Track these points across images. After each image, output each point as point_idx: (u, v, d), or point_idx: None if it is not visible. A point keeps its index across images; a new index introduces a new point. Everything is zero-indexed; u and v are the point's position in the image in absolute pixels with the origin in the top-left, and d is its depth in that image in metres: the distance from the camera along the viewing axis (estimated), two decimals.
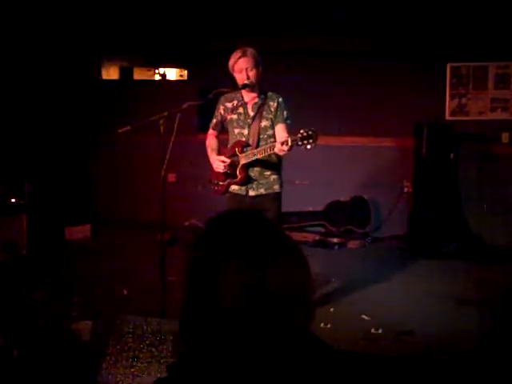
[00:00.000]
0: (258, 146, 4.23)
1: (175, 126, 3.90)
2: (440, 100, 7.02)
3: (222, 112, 4.40)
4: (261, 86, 4.30)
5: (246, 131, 4.30)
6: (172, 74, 8.30)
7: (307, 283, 1.17)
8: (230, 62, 4.20)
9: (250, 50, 4.18)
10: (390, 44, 7.00)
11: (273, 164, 4.28)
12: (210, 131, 4.50)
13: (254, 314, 1.08)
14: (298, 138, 3.75)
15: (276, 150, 3.93)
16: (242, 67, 4.14)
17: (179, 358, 1.17)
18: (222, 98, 4.39)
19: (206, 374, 1.10)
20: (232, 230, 1.17)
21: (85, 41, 7.61)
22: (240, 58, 4.14)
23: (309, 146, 3.75)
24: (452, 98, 7.04)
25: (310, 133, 3.73)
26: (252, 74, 4.16)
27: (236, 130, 4.33)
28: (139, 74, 8.23)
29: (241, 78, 4.17)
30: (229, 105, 4.36)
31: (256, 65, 4.17)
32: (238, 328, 1.08)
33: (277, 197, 4.34)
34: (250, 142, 4.26)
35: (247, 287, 1.09)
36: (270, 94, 4.33)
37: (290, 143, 3.79)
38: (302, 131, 3.75)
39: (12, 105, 6.87)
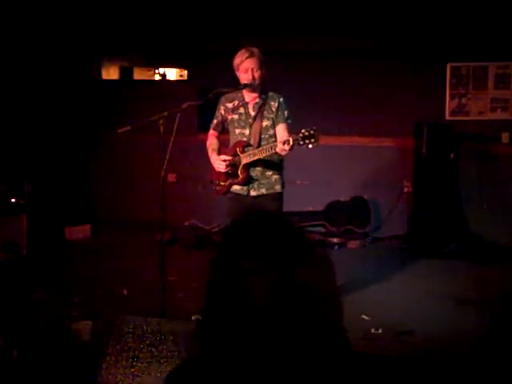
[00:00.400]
0: (259, 145, 4.22)
1: (175, 125, 3.90)
2: (440, 100, 7.02)
3: (223, 112, 4.40)
4: (262, 87, 4.30)
5: (247, 131, 4.29)
6: (172, 74, 8.30)
7: (333, 281, 1.17)
8: (236, 61, 4.19)
9: (256, 51, 4.19)
10: (390, 44, 7.00)
11: (274, 164, 4.28)
12: (211, 132, 4.50)
13: (281, 314, 1.08)
14: (299, 138, 3.75)
15: (277, 149, 3.93)
16: (247, 67, 4.14)
17: (198, 356, 1.15)
18: (223, 99, 4.39)
19: (226, 373, 1.10)
20: (255, 231, 1.17)
21: (85, 41, 7.61)
22: (247, 58, 4.14)
23: (310, 146, 3.75)
24: (452, 98, 7.04)
25: (311, 132, 3.73)
26: (257, 74, 4.17)
27: (237, 130, 4.33)
28: (139, 74, 8.23)
29: (245, 77, 4.17)
30: (229, 105, 4.36)
31: (261, 66, 4.18)
32: (264, 328, 1.08)
33: (278, 197, 4.34)
34: (252, 141, 4.26)
35: (273, 287, 1.08)
36: (270, 93, 4.33)
37: (291, 143, 3.79)
38: (303, 131, 3.76)
39: (12, 105, 6.87)
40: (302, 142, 3.75)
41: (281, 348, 1.07)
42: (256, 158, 4.18)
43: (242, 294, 1.09)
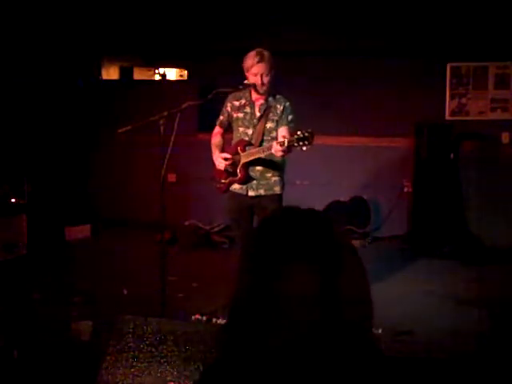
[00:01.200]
0: (260, 146, 4.23)
1: (175, 125, 3.90)
2: (440, 100, 7.02)
3: (229, 110, 4.40)
4: (270, 89, 4.30)
5: (250, 131, 4.30)
6: (172, 73, 8.29)
7: (369, 289, 1.11)
8: (247, 64, 4.19)
9: (267, 55, 4.20)
10: (389, 44, 7.00)
11: (275, 165, 4.28)
12: (216, 129, 4.51)
13: (325, 323, 1.01)
14: (294, 140, 3.76)
15: (273, 150, 3.93)
16: (257, 72, 4.16)
17: (218, 363, 1.09)
18: (231, 96, 4.39)
19: (251, 378, 1.03)
20: (295, 230, 1.07)
21: (85, 41, 7.61)
22: (258, 62, 4.15)
23: (304, 148, 3.76)
24: (452, 98, 7.03)
25: (306, 134, 3.73)
26: (266, 79, 4.19)
27: (241, 129, 4.34)
28: (139, 74, 8.23)
29: (255, 80, 4.18)
30: (236, 103, 4.37)
31: (270, 70, 4.20)
32: (302, 334, 1.01)
33: (277, 198, 4.33)
34: (253, 141, 4.27)
35: (321, 294, 1.01)
36: (278, 96, 4.33)
37: (286, 144, 3.80)
38: (298, 132, 3.76)
39: (12, 105, 6.86)
40: (296, 144, 3.76)
41: (318, 351, 1.02)
42: (254, 157, 4.18)
43: (278, 302, 1.02)
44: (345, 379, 1.02)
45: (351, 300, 1.04)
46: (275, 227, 1.10)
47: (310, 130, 3.75)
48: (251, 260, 1.09)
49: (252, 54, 4.20)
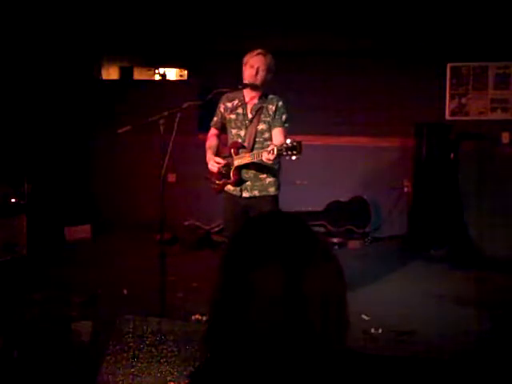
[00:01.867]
0: (253, 148, 4.23)
1: (175, 125, 3.90)
2: (440, 100, 7.02)
3: (222, 111, 4.40)
4: (264, 90, 4.29)
5: (242, 132, 4.29)
6: (172, 73, 8.30)
7: (343, 290, 1.14)
8: (247, 56, 4.22)
9: (269, 55, 4.22)
10: (390, 44, 7.01)
11: (269, 167, 4.26)
12: (212, 130, 4.50)
13: (291, 319, 1.05)
14: (283, 149, 3.76)
15: (263, 158, 3.93)
16: (253, 64, 4.16)
17: (204, 364, 1.13)
18: (224, 97, 4.39)
19: (235, 376, 1.07)
20: (269, 232, 1.13)
21: (85, 41, 7.61)
22: (258, 55, 4.17)
23: (294, 157, 3.76)
24: (452, 98, 7.04)
25: (294, 144, 3.73)
26: (261, 74, 4.18)
27: (233, 131, 4.33)
28: (139, 74, 8.23)
29: (249, 73, 4.18)
30: (229, 104, 4.36)
31: (268, 69, 4.19)
32: (273, 333, 1.05)
33: (272, 199, 4.31)
34: (246, 144, 4.26)
35: (285, 291, 1.05)
36: (270, 96, 4.32)
37: (275, 152, 3.79)
38: (288, 141, 3.76)
39: (12, 105, 6.86)
40: (285, 153, 3.76)
41: (289, 351, 1.05)
42: (245, 162, 4.19)
43: (252, 297, 1.07)
44: (306, 380, 1.06)
45: (316, 300, 1.07)
46: (246, 232, 1.16)
47: (298, 140, 3.74)
48: (224, 261, 1.15)
49: (255, 50, 4.22)
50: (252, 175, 4.28)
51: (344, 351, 1.13)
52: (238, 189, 4.30)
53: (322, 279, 1.09)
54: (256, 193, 4.29)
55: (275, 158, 3.86)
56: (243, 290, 1.08)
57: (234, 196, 4.32)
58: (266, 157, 3.87)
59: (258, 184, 4.28)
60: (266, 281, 1.06)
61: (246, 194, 4.30)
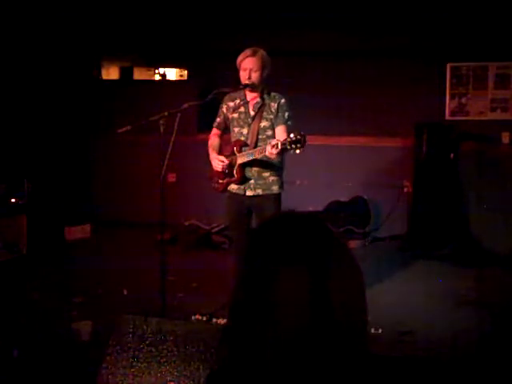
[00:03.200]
0: (256, 146, 4.23)
1: (175, 125, 3.90)
2: (440, 100, 7.02)
3: (225, 111, 4.40)
4: (264, 87, 4.29)
5: (245, 130, 4.30)
6: (172, 73, 8.30)
7: (364, 292, 1.11)
8: (238, 59, 4.21)
9: (259, 52, 4.19)
10: (390, 44, 7.00)
11: (273, 165, 4.27)
12: (214, 130, 4.50)
13: (317, 327, 1.02)
14: (287, 143, 3.75)
15: (267, 153, 3.93)
16: (246, 67, 4.15)
17: (222, 366, 1.11)
18: (226, 97, 4.40)
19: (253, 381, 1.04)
20: (293, 232, 1.09)
21: (85, 41, 7.61)
22: (248, 57, 4.15)
23: (298, 151, 3.76)
24: (452, 97, 7.04)
25: (298, 137, 3.73)
26: (255, 75, 4.17)
27: (236, 129, 4.34)
28: (139, 74, 8.23)
29: (243, 76, 4.18)
30: (231, 104, 4.37)
31: (261, 67, 4.18)
32: (298, 336, 1.02)
33: (275, 198, 4.32)
34: (249, 141, 4.26)
35: (311, 297, 1.02)
36: (273, 94, 4.32)
37: (279, 147, 3.79)
38: (291, 135, 3.76)
39: (12, 105, 6.86)
40: (289, 147, 3.76)
41: (315, 354, 1.03)
42: (249, 158, 4.18)
43: (277, 297, 1.04)
44: (335, 382, 1.04)
45: (342, 303, 1.05)
46: (268, 232, 1.13)
47: (302, 133, 3.74)
48: (245, 263, 1.11)
49: (246, 50, 4.21)
50: (255, 173, 4.28)
51: (367, 353, 1.11)
52: (242, 187, 4.30)
53: (346, 281, 1.07)
54: (259, 191, 4.29)
55: (279, 153, 3.86)
56: (268, 292, 1.05)
57: (238, 195, 4.32)
58: (270, 151, 3.86)
59: (261, 182, 4.29)
60: (291, 283, 1.04)
61: (249, 193, 4.29)
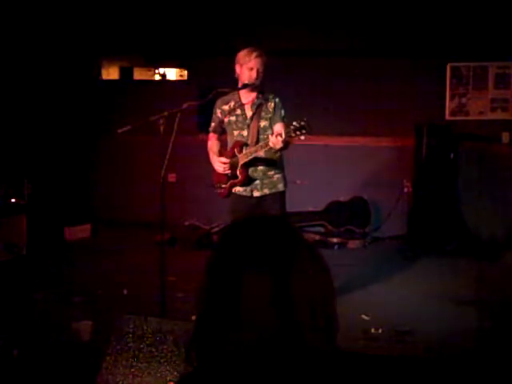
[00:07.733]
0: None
1: (175, 125, 3.90)
2: (440, 100, 7.02)
3: (220, 115, 4.40)
4: (260, 87, 4.30)
5: (245, 132, 4.30)
6: (172, 73, 8.29)
7: (331, 291, 1.14)
8: (243, 58, 4.19)
9: (263, 53, 4.22)
10: (390, 44, 7.00)
11: (275, 163, 4.29)
12: (210, 135, 4.51)
13: (278, 323, 1.06)
14: (291, 130, 3.77)
15: (271, 143, 3.94)
16: (253, 66, 4.16)
17: (193, 370, 1.12)
18: (219, 101, 4.39)
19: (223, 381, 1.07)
20: (255, 235, 1.13)
21: (85, 41, 7.61)
22: (256, 57, 4.16)
23: (302, 137, 3.77)
24: (452, 97, 7.03)
25: (302, 124, 3.75)
26: (260, 76, 4.20)
27: (235, 132, 4.34)
28: (139, 74, 8.22)
29: (247, 75, 4.17)
30: (225, 107, 4.36)
31: (264, 68, 4.20)
32: (262, 335, 1.05)
33: (281, 196, 4.34)
34: (249, 142, 4.27)
35: (273, 298, 1.06)
36: (268, 94, 4.34)
37: (284, 135, 3.81)
38: (294, 123, 3.78)
39: (12, 105, 6.87)
40: (293, 134, 3.77)
41: (278, 352, 1.05)
42: (253, 156, 4.18)
43: (241, 299, 1.07)
44: (298, 379, 1.06)
45: (305, 302, 1.08)
46: (234, 234, 1.17)
47: (305, 119, 3.77)
48: (211, 263, 1.15)
49: (248, 49, 4.21)
50: (261, 173, 4.28)
51: (334, 352, 1.13)
52: (248, 189, 4.29)
53: (309, 280, 1.10)
54: (266, 191, 4.30)
55: (284, 140, 3.85)
56: (232, 293, 1.08)
57: (244, 197, 4.31)
58: (273, 140, 3.87)
59: (267, 182, 4.29)
60: (253, 284, 1.07)
61: (257, 194, 4.29)
